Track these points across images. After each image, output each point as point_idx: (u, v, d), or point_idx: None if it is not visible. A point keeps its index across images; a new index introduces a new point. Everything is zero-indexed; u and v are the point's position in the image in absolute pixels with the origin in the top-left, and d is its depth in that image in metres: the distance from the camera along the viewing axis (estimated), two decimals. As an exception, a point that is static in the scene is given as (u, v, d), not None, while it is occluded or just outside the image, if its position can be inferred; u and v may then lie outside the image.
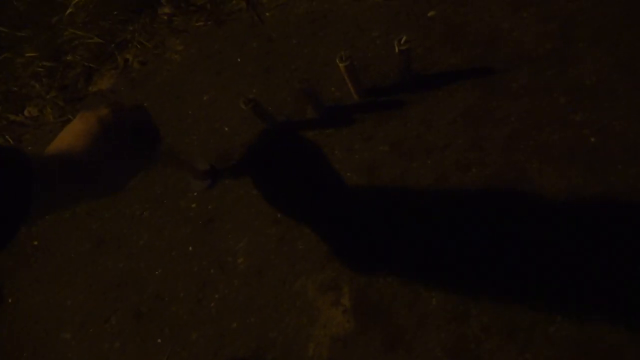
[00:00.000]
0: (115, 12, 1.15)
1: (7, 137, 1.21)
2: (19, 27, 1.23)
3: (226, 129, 1.03)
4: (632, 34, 0.86)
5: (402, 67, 0.86)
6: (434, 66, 0.94)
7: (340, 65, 0.78)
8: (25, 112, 1.20)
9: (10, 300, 1.08)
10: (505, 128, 0.83)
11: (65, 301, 1.03)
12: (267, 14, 1.10)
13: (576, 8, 0.91)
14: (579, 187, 0.75)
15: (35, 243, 1.12)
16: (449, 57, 0.94)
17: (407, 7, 1.03)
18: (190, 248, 0.94)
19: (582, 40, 0.87)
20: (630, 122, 0.78)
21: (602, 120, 0.79)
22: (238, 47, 1.14)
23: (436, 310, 0.74)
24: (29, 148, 1.18)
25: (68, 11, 1.07)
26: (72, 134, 0.57)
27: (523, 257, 0.74)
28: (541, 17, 0.93)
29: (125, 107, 0.62)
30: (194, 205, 0.97)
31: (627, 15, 0.88)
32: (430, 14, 0.98)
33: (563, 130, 0.80)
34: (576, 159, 0.77)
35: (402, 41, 0.75)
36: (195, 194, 1.00)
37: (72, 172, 0.55)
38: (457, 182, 0.81)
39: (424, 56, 0.96)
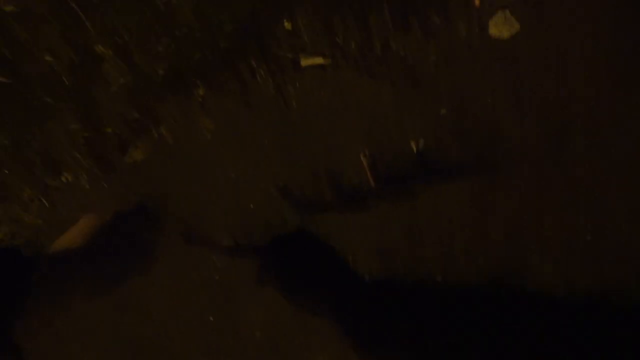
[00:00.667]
0: (154, 91, 1.27)
1: (43, 199, 1.30)
2: (64, 99, 1.35)
3: (251, 205, 1.11)
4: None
5: (416, 161, 0.96)
6: (443, 157, 1.03)
7: (363, 159, 0.88)
8: (62, 178, 1.30)
9: (30, 361, 1.12)
10: (508, 220, 0.91)
11: (84, 363, 1.07)
12: (294, 102, 1.21)
13: (574, 112, 1.01)
14: (575, 281, 0.81)
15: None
16: (457, 150, 1.04)
17: (421, 103, 1.13)
18: (211, 318, 0.99)
19: (580, 140, 0.97)
20: (625, 222, 0.85)
21: (597, 219, 0.86)
22: (266, 128, 1.25)
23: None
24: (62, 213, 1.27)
25: (113, 89, 1.20)
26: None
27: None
28: (542, 116, 1.02)
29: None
30: (217, 277, 1.04)
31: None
32: (442, 111, 1.09)
33: (561, 226, 0.88)
34: (574, 255, 0.84)
35: (420, 144, 0.85)
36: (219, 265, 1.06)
37: None
38: (463, 265, 0.88)
39: (435, 148, 1.06)
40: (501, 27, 1.01)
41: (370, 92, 1.09)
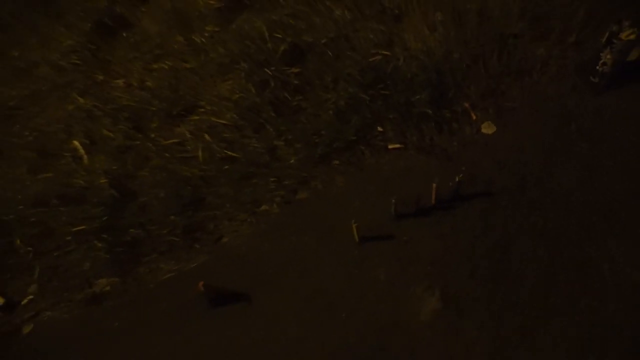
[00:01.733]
0: (313, 162, 2.19)
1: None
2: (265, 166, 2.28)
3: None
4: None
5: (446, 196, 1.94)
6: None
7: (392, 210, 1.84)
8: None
9: None
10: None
11: None
12: (385, 167, 2.18)
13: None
14: None
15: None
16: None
17: (440, 170, 2.13)
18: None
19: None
20: None
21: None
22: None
23: None
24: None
25: (292, 162, 2.17)
26: None
27: None
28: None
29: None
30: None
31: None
32: (459, 177, 2.09)
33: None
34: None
35: (432, 200, 1.84)
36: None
37: None
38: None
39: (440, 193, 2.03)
40: (487, 128, 2.08)
41: (423, 163, 2.08)
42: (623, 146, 1.84)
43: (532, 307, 1.66)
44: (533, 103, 2.05)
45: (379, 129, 2.11)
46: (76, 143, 2.36)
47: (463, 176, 1.79)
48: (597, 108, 1.99)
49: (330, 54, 2.26)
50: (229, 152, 2.14)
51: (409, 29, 2.33)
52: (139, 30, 2.75)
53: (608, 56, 1.92)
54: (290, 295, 1.82)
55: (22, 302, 1.99)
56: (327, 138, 2.10)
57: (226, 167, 2.12)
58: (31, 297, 1.99)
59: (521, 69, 2.15)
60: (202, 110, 2.32)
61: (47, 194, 2.21)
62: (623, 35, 1.82)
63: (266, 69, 2.32)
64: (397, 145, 2.09)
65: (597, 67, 1.96)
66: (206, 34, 2.59)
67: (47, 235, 2.10)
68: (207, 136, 2.17)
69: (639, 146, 1.84)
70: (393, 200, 1.81)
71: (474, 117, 2.06)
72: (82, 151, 2.33)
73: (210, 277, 1.84)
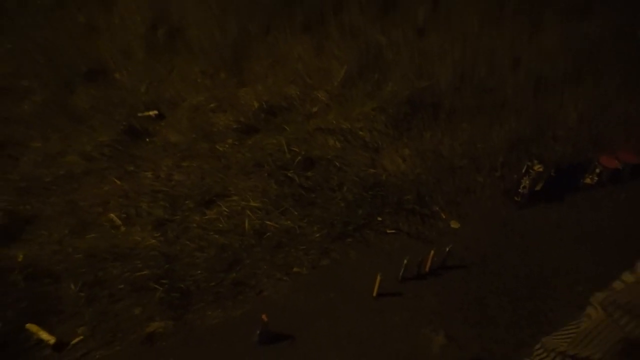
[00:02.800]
0: (335, 236, 2.74)
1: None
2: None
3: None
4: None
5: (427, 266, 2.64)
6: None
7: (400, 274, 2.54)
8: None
9: None
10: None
11: None
12: (387, 245, 2.81)
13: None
14: None
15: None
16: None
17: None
18: None
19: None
20: None
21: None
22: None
23: None
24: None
25: (316, 237, 2.70)
26: None
27: None
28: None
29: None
30: None
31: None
32: (449, 247, 2.82)
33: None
34: None
35: (428, 265, 2.56)
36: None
37: None
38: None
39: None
40: (454, 224, 2.90)
41: (413, 243, 2.77)
42: (540, 239, 2.74)
43: (508, 341, 2.30)
44: (480, 212, 2.94)
45: (379, 218, 2.81)
46: (112, 215, 2.69)
47: (452, 247, 2.51)
48: (521, 217, 2.94)
49: (335, 164, 3.02)
50: (265, 222, 2.65)
51: (386, 158, 3.22)
52: (162, 137, 3.30)
53: (526, 182, 2.93)
54: (327, 336, 2.24)
55: (72, 342, 2.11)
56: (341, 222, 2.74)
57: (261, 237, 2.61)
58: (82, 337, 2.13)
59: (467, 189, 3.09)
60: (233, 197, 2.84)
61: (95, 249, 2.45)
62: (535, 167, 2.87)
63: (285, 172, 2.98)
64: (393, 231, 2.79)
65: (519, 190, 2.95)
66: (227, 145, 3.23)
67: (97, 283, 2.31)
68: (244, 212, 2.67)
69: (549, 239, 2.76)
70: (405, 262, 2.44)
71: (444, 217, 2.88)
72: (119, 222, 2.65)
73: (254, 322, 2.20)
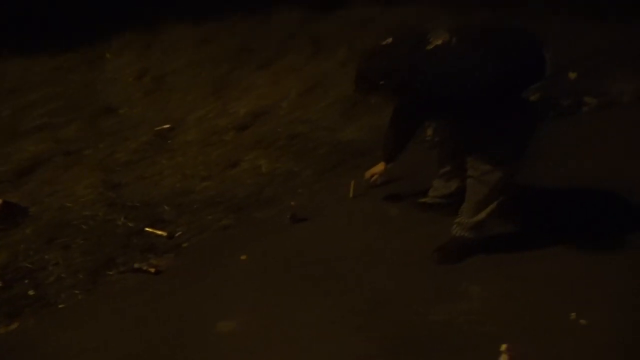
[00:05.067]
0: None
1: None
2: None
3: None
4: None
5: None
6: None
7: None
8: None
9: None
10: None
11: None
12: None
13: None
14: None
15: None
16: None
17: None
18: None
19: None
20: None
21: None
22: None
23: None
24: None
25: None
26: None
27: None
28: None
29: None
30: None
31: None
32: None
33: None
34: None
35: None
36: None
37: None
38: None
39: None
40: None
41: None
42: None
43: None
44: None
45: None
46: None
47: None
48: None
49: (308, 137, 4.56)
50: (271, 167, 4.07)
51: (341, 131, 4.83)
52: (182, 138, 4.68)
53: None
54: (333, 218, 3.67)
55: (176, 234, 3.36)
56: (324, 164, 4.25)
57: (273, 177, 4.03)
58: (180, 232, 3.38)
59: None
60: (243, 163, 4.26)
61: (172, 190, 3.72)
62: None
63: (276, 144, 4.46)
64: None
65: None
66: (230, 136, 4.67)
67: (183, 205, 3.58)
68: (259, 166, 4.09)
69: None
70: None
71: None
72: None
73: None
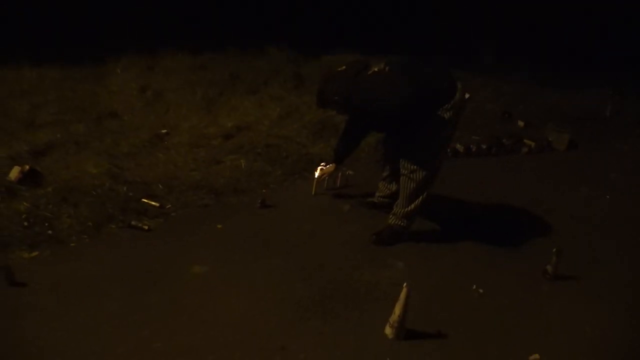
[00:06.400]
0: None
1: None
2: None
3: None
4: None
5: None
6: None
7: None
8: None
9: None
10: None
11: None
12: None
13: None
14: None
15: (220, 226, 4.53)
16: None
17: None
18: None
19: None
20: None
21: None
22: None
23: None
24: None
25: None
26: None
27: None
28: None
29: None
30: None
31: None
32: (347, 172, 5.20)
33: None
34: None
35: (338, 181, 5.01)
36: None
37: None
38: None
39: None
40: None
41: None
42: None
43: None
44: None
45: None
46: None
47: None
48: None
49: (283, 147, 5.45)
50: (248, 165, 4.93)
51: (302, 137, 5.74)
52: (178, 139, 5.52)
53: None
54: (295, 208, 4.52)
55: (167, 206, 4.13)
56: (288, 157, 5.11)
57: (251, 173, 4.89)
58: (170, 206, 4.14)
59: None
60: (226, 161, 5.12)
61: (167, 174, 4.53)
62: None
63: (255, 150, 5.34)
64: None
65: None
66: (218, 142, 5.53)
67: (173, 187, 4.39)
68: (240, 165, 4.95)
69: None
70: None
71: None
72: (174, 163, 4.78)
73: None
